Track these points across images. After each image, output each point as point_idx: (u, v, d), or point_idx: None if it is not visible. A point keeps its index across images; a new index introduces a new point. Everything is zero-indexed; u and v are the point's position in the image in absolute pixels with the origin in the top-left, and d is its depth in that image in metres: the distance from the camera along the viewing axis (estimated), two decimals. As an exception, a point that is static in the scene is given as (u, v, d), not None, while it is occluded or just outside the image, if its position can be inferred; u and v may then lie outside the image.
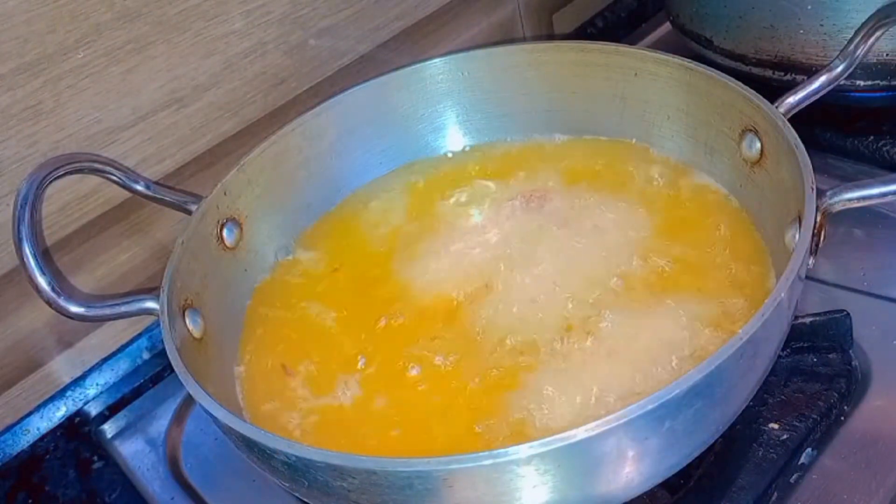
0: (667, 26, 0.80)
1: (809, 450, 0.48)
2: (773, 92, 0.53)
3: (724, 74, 0.55)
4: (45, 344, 0.57)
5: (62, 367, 0.58)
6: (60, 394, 0.58)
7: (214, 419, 0.42)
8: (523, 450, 0.36)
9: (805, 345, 0.52)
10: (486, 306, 0.53)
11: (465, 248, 0.58)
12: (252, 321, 0.56)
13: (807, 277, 0.45)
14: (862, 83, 0.62)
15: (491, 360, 0.49)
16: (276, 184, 0.60)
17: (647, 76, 0.60)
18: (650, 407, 0.36)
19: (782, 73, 0.65)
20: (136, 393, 0.60)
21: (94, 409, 0.59)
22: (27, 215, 0.47)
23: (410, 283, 0.56)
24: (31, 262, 0.47)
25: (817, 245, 0.45)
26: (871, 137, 0.64)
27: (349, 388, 0.50)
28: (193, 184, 0.61)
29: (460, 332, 0.52)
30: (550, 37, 0.84)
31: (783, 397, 0.50)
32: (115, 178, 0.53)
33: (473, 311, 0.53)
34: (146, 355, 0.61)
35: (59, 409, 0.58)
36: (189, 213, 0.55)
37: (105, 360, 0.60)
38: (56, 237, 0.55)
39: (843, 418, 0.50)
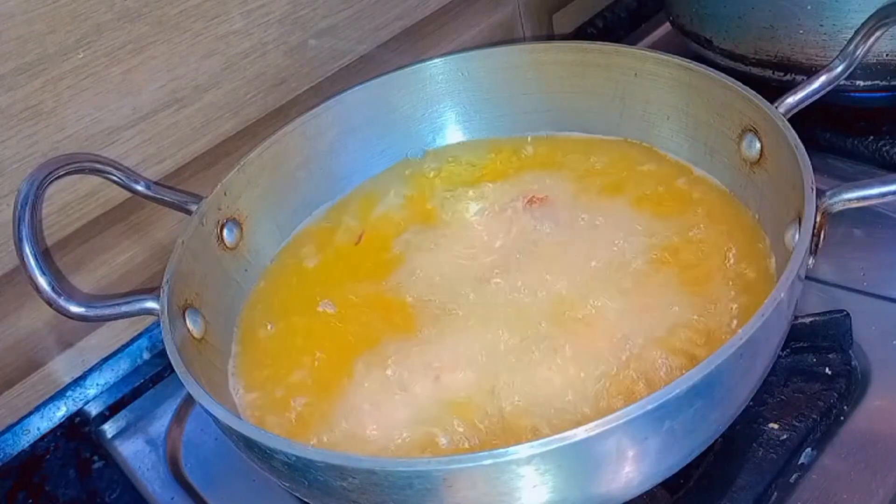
0: (667, 26, 0.80)
1: (809, 450, 0.48)
2: (772, 92, 0.53)
3: (723, 74, 0.55)
4: (45, 344, 0.57)
5: (62, 367, 0.58)
6: (61, 394, 0.58)
7: (215, 419, 0.42)
8: (523, 450, 0.36)
9: (805, 345, 0.52)
10: (485, 303, 0.53)
11: (466, 248, 0.58)
12: (252, 320, 0.56)
13: (807, 277, 0.45)
14: (862, 83, 0.62)
15: (489, 353, 0.50)
16: (276, 184, 0.60)
17: (646, 76, 0.60)
18: (650, 407, 0.36)
19: (782, 74, 0.65)
20: (137, 393, 0.61)
21: (94, 409, 0.59)
22: (27, 215, 0.47)
23: (409, 282, 0.56)
24: (32, 262, 0.47)
25: (817, 245, 0.45)
26: (871, 137, 0.64)
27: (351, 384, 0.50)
28: (194, 184, 0.61)
29: (461, 327, 0.52)
30: (550, 37, 0.84)
31: (783, 397, 0.50)
32: (115, 178, 0.53)
33: (473, 308, 0.53)
34: (146, 355, 0.61)
35: (59, 409, 0.58)
36: (189, 213, 0.55)
37: (105, 360, 0.60)
38: (56, 237, 0.55)
39: (842, 418, 0.50)
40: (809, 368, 0.52)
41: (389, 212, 0.62)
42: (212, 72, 0.59)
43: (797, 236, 0.45)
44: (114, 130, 0.56)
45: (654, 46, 0.82)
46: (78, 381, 0.59)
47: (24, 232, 0.47)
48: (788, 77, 0.65)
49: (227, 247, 0.57)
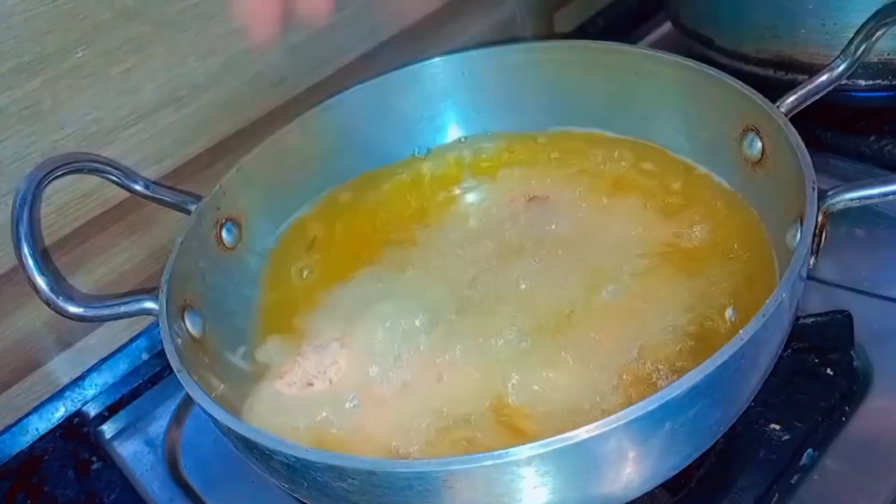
0: (668, 26, 0.80)
1: (810, 450, 0.48)
2: (774, 91, 0.52)
3: (725, 74, 0.55)
4: (44, 344, 0.57)
5: (61, 368, 0.58)
6: (59, 394, 0.58)
7: (214, 420, 0.42)
8: (523, 451, 0.36)
9: (806, 345, 0.52)
10: (485, 301, 0.53)
11: (466, 247, 0.58)
12: (252, 320, 0.56)
13: (808, 277, 0.45)
14: (863, 83, 0.62)
15: (490, 351, 0.50)
16: (275, 184, 0.60)
17: (648, 75, 0.60)
18: (651, 408, 0.36)
19: (783, 73, 0.65)
20: (135, 393, 0.60)
21: (93, 410, 0.59)
22: (26, 215, 0.47)
23: (409, 281, 0.56)
24: (30, 262, 0.47)
25: (819, 245, 0.45)
26: (873, 137, 0.64)
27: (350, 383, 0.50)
28: (192, 184, 0.60)
29: (461, 326, 0.52)
30: (551, 36, 0.84)
31: (784, 398, 0.50)
32: (113, 177, 0.53)
33: (473, 307, 0.53)
34: (145, 356, 0.61)
35: (57, 409, 0.58)
36: (188, 213, 0.54)
37: (104, 360, 0.60)
38: (55, 237, 0.55)
39: (844, 419, 0.50)
40: (811, 369, 0.51)
41: (387, 212, 0.62)
42: (211, 71, 0.59)
43: (798, 236, 0.45)
44: (112, 130, 0.56)
45: (656, 46, 0.82)
46: (77, 382, 0.59)
47: (23, 232, 0.47)
48: (790, 76, 0.64)
49: (226, 247, 0.56)
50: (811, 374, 0.51)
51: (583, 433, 0.36)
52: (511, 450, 0.36)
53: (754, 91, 0.52)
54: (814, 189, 0.44)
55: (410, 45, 0.71)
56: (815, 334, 0.52)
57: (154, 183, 0.55)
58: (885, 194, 0.44)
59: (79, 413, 0.59)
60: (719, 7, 0.67)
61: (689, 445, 0.42)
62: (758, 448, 0.48)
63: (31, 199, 0.48)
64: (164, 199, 0.55)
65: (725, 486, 0.47)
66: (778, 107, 0.51)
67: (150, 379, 0.61)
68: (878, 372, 0.51)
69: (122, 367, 0.60)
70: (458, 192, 0.63)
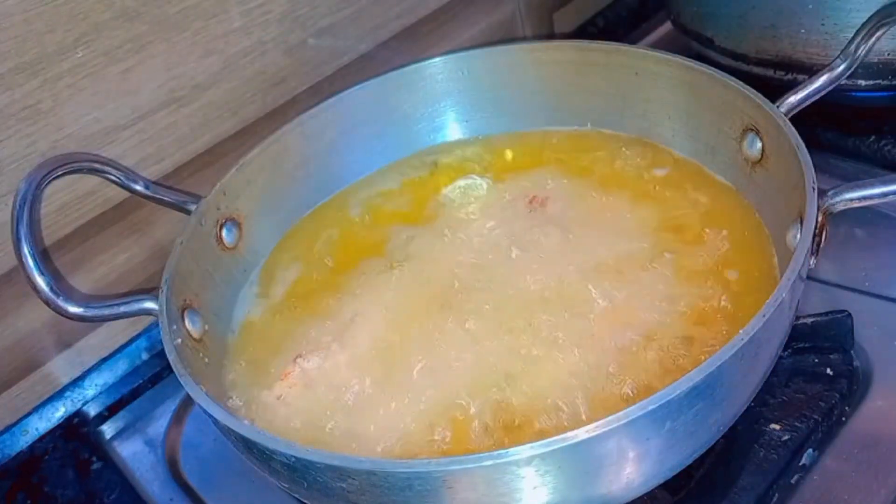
0: (667, 25, 0.80)
1: (810, 450, 0.48)
2: (774, 91, 0.52)
3: (725, 74, 0.55)
4: (43, 344, 0.57)
5: (61, 368, 0.58)
6: (59, 394, 0.58)
7: (214, 420, 0.42)
8: (524, 451, 0.36)
9: (806, 345, 0.52)
10: (484, 299, 0.53)
11: (466, 245, 0.58)
12: (251, 320, 0.56)
13: (808, 278, 0.45)
14: (863, 83, 0.62)
15: (488, 348, 0.50)
16: (275, 184, 0.60)
17: (647, 75, 0.60)
18: (651, 407, 0.36)
19: (783, 73, 0.65)
20: (135, 393, 0.60)
21: (92, 410, 0.59)
22: (26, 215, 0.47)
23: (407, 279, 0.56)
24: (30, 262, 0.47)
25: (819, 245, 0.45)
26: (873, 137, 0.64)
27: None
28: (192, 183, 0.61)
29: (459, 323, 0.52)
30: (551, 36, 0.84)
31: (784, 398, 0.50)
32: (113, 177, 0.53)
33: (472, 305, 0.53)
34: (145, 356, 0.61)
35: (57, 409, 0.58)
36: (188, 213, 0.54)
37: (104, 360, 0.60)
38: (55, 237, 0.55)
39: (844, 419, 0.50)
40: (811, 369, 0.51)
41: (387, 211, 0.62)
42: (211, 71, 0.59)
43: (798, 236, 0.45)
44: (112, 130, 0.56)
45: (655, 45, 0.82)
46: (77, 382, 0.59)
47: (23, 232, 0.47)
48: (790, 76, 0.64)
49: (226, 247, 0.56)
50: (811, 374, 0.51)
51: (583, 433, 0.36)
52: (511, 450, 0.36)
53: (754, 91, 0.52)
54: (814, 189, 0.44)
55: (410, 44, 0.71)
56: (815, 334, 0.52)
57: (154, 183, 0.55)
58: (885, 194, 0.44)
59: (79, 413, 0.59)
60: (719, 7, 0.67)
61: (689, 445, 0.42)
62: (758, 448, 0.48)
63: (31, 199, 0.48)
64: (164, 199, 0.55)
65: (725, 486, 0.47)
66: (778, 107, 0.51)
67: (150, 379, 0.61)
68: (879, 372, 0.51)
69: (122, 367, 0.60)
70: (458, 192, 0.63)
